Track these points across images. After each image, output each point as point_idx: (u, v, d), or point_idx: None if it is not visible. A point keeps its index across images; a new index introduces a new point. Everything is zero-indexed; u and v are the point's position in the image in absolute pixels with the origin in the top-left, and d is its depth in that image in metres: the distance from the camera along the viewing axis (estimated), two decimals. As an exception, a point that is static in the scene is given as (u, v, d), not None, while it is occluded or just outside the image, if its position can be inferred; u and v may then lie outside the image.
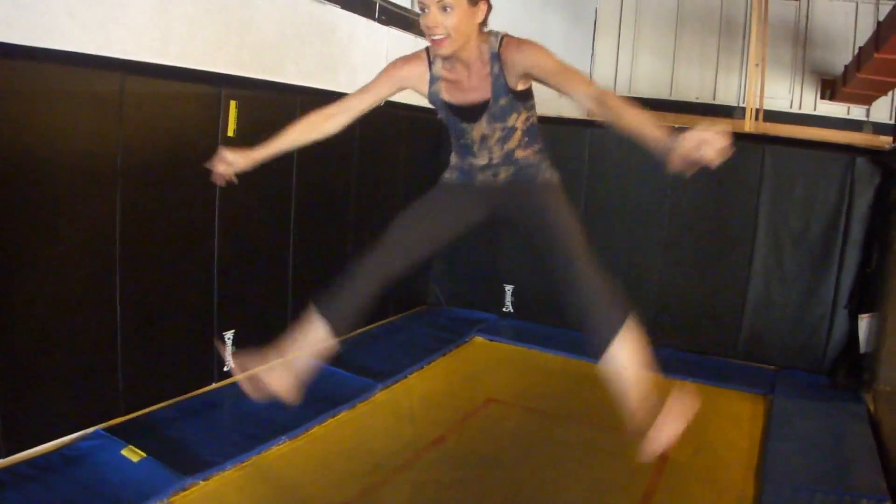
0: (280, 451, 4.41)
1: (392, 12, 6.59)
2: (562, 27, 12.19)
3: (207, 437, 4.38)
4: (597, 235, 7.09)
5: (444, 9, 2.69)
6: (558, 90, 2.74)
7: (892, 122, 6.14)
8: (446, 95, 3.00)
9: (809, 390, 6.01)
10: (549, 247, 3.02)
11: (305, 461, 4.36)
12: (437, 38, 2.74)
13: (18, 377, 3.77)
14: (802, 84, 13.03)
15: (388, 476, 4.27)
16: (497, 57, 2.83)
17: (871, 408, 5.63)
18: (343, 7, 5.93)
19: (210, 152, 4.71)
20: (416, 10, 3.08)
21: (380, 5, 6.38)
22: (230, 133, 4.85)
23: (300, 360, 3.19)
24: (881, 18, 8.36)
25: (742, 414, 5.60)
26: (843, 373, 6.21)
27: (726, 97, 13.34)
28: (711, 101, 13.41)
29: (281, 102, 5.37)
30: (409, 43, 6.99)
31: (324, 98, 5.68)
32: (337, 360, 5.72)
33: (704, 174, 5.59)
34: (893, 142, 6.02)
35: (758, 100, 11.36)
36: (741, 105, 12.59)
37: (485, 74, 2.87)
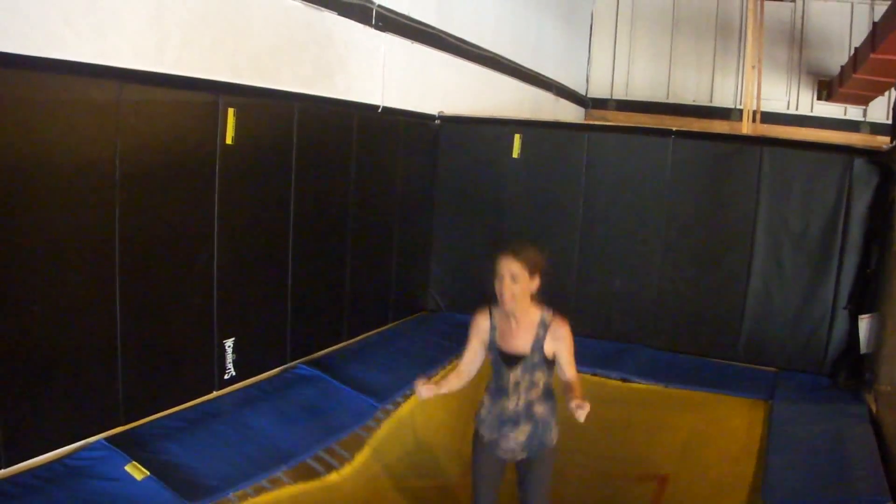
0: (281, 481, 4.39)
1: (389, 18, 6.59)
2: (558, 32, 12.21)
3: (210, 454, 4.35)
4: (595, 239, 7.15)
5: (513, 279, 3.80)
6: (561, 360, 3.98)
7: (890, 121, 6.14)
8: (499, 341, 4.02)
9: (810, 392, 6.01)
10: (530, 490, 4.10)
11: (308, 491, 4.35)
12: (506, 297, 3.83)
13: (19, 386, 3.75)
14: (799, 85, 13.07)
15: (386, 493, 4.26)
16: (545, 325, 3.94)
17: (873, 408, 5.63)
18: (340, 14, 5.93)
19: (209, 160, 4.74)
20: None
21: (377, 11, 6.38)
22: (228, 141, 4.85)
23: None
24: (877, 19, 8.38)
25: (741, 424, 5.58)
26: (844, 373, 6.22)
27: (723, 99, 13.39)
28: (708, 104, 13.46)
29: (279, 109, 5.37)
30: (405, 49, 7.00)
31: (322, 105, 5.73)
32: (338, 369, 5.75)
33: (702, 175, 5.67)
34: (891, 142, 6.02)
35: (755, 101, 11.39)
36: (738, 107, 12.63)
37: (531, 333, 3.94)
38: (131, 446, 4.15)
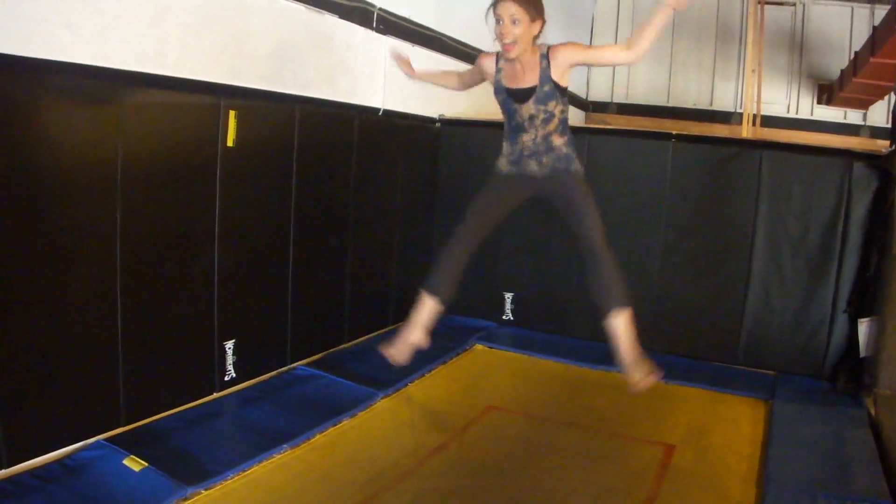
0: (281, 459, 4.41)
1: (390, 21, 6.60)
2: (559, 35, 12.20)
3: (209, 446, 4.38)
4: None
5: (514, 21, 3.71)
6: (596, 63, 4.14)
7: (889, 125, 6.15)
8: (506, 82, 4.00)
9: (810, 395, 6.01)
10: (578, 224, 4.05)
11: (307, 471, 4.35)
12: (507, 42, 3.75)
13: (20, 387, 3.77)
14: (799, 89, 13.07)
15: (389, 485, 4.26)
16: (545, 57, 3.88)
17: (872, 412, 5.63)
18: (341, 16, 5.94)
19: (210, 162, 4.76)
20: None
21: (378, 14, 6.39)
22: (229, 143, 4.86)
23: (417, 334, 4.51)
24: (876, 23, 8.39)
25: (743, 419, 5.60)
26: (844, 377, 6.22)
27: (723, 103, 13.38)
28: (709, 108, 13.45)
29: (280, 112, 5.39)
30: (406, 51, 7.00)
31: (322, 107, 5.74)
32: (337, 368, 5.76)
33: (702, 178, 5.68)
34: (890, 145, 6.03)
35: (755, 105, 11.40)
36: (738, 111, 12.63)
37: (535, 69, 3.89)
38: (130, 445, 4.17)
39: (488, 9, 3.79)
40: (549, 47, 3.90)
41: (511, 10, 3.69)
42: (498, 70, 4.03)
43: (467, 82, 4.46)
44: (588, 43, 13.99)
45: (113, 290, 4.21)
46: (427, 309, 4.43)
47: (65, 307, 3.98)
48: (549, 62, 3.87)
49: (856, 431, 5.26)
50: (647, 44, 3.68)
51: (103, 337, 4.21)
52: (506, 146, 4.18)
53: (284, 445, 4.49)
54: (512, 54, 3.80)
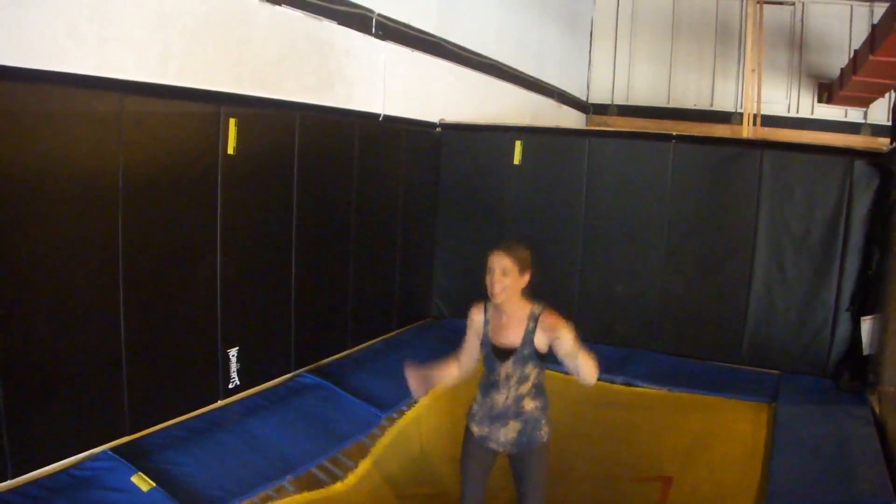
0: (285, 488, 4.40)
1: (389, 27, 6.61)
2: (559, 38, 12.23)
3: (215, 464, 4.37)
4: (597, 244, 7.16)
5: (504, 272, 3.93)
6: (569, 363, 3.85)
7: (890, 123, 6.15)
8: (491, 335, 4.11)
9: (813, 394, 6.01)
10: (525, 486, 4.12)
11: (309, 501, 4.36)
12: (496, 291, 3.94)
13: (25, 397, 3.77)
14: (799, 88, 13.08)
15: (396, 492, 4.27)
16: (535, 318, 4.01)
17: (877, 409, 5.63)
18: (340, 23, 5.96)
19: (211, 170, 4.77)
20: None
21: (377, 20, 6.40)
22: (230, 151, 4.87)
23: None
24: (876, 21, 8.40)
25: (745, 427, 5.58)
26: (847, 375, 6.22)
27: (724, 103, 13.40)
28: (709, 108, 13.47)
29: (280, 119, 5.40)
30: (406, 57, 7.02)
31: (323, 114, 5.76)
32: (342, 378, 5.75)
33: (703, 179, 5.68)
34: (891, 143, 6.03)
35: (755, 105, 11.41)
36: (739, 111, 12.63)
37: (521, 327, 4.02)
38: (137, 457, 4.17)
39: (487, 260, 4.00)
40: (542, 312, 4.03)
41: (503, 263, 3.94)
42: (486, 322, 4.15)
43: (470, 353, 4.32)
44: (589, 46, 14.03)
45: (116, 299, 4.22)
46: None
47: (68, 317, 3.99)
48: (536, 326, 4.00)
49: (860, 430, 5.25)
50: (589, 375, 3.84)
51: (107, 346, 4.22)
52: (478, 396, 4.23)
53: (288, 475, 4.50)
54: (498, 299, 3.96)
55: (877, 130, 12.13)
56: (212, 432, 4.72)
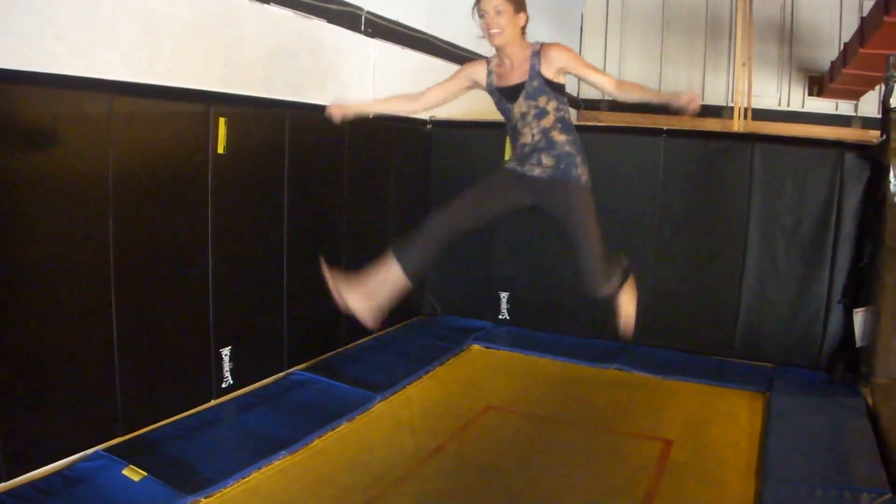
0: (281, 465, 4.40)
1: (378, 25, 6.61)
2: (549, 33, 12.21)
3: (208, 454, 4.37)
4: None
5: (498, 12, 3.78)
6: (584, 79, 3.93)
7: (880, 115, 6.16)
8: (496, 82, 4.03)
9: (807, 386, 6.02)
10: (574, 239, 4.06)
11: (306, 476, 4.35)
12: (493, 31, 3.82)
13: (17, 399, 3.77)
14: (790, 81, 13.09)
15: (388, 487, 4.27)
16: (537, 54, 3.91)
17: (870, 401, 5.64)
18: (329, 21, 5.95)
19: (200, 170, 4.76)
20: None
21: (366, 18, 6.40)
22: (220, 150, 4.87)
23: (378, 293, 4.09)
24: (865, 14, 8.41)
25: (741, 412, 5.61)
26: (841, 367, 6.23)
27: (715, 97, 13.40)
28: (700, 102, 13.41)
29: (270, 118, 5.39)
30: (395, 54, 7.01)
31: (313, 112, 5.75)
32: (335, 372, 5.77)
33: (694, 173, 5.69)
34: (882, 136, 6.03)
35: (746, 99, 11.41)
36: (729, 105, 12.63)
37: (525, 66, 3.92)
38: (130, 455, 4.17)
39: (473, 7, 3.87)
40: (541, 45, 3.93)
41: (494, 2, 3.77)
42: (489, 73, 4.05)
43: (435, 99, 4.33)
44: (579, 41, 14.04)
45: (108, 300, 4.22)
46: (391, 278, 4.11)
47: (60, 318, 3.98)
48: (539, 59, 3.89)
49: (853, 421, 5.26)
50: (633, 98, 3.96)
51: (99, 347, 4.22)
52: (509, 149, 4.18)
53: (283, 452, 4.48)
54: (497, 41, 3.85)
55: (867, 123, 12.14)
56: (206, 429, 4.72)
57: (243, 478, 4.18)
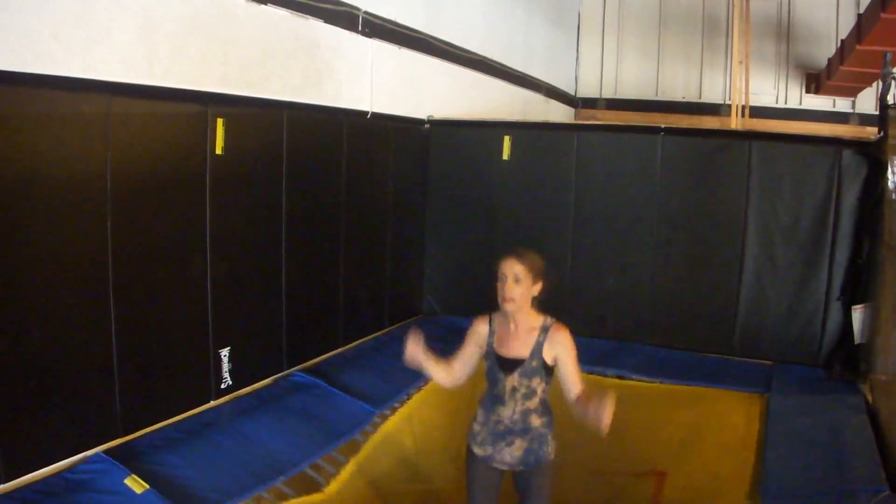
0: (281, 487, 4.39)
1: (375, 24, 6.60)
2: (546, 32, 12.23)
3: (209, 466, 4.35)
4: (588, 238, 7.16)
5: (517, 280, 3.85)
6: (562, 370, 3.90)
7: (878, 112, 6.17)
8: (497, 347, 3.99)
9: (806, 384, 6.02)
10: (532, 500, 4.05)
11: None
12: (508, 298, 3.86)
13: (16, 401, 3.76)
14: (787, 79, 13.11)
15: (390, 488, 4.27)
16: (546, 331, 3.92)
17: (869, 398, 5.65)
18: (326, 21, 5.95)
19: (198, 170, 4.76)
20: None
21: (363, 18, 6.39)
22: (218, 151, 4.86)
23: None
24: (862, 11, 8.42)
25: (740, 410, 5.61)
26: (840, 365, 6.23)
27: (712, 95, 13.42)
28: (697, 100, 13.48)
29: (268, 118, 5.39)
30: (393, 54, 7.01)
31: (311, 112, 5.74)
32: (334, 376, 5.75)
33: (692, 171, 5.69)
34: (879, 132, 6.04)
35: (743, 96, 11.42)
36: (727, 102, 12.65)
37: (531, 338, 3.91)
38: (130, 459, 4.15)
39: (498, 266, 3.94)
40: (553, 325, 3.95)
41: (515, 269, 3.86)
42: (491, 332, 4.04)
43: (465, 364, 4.20)
44: (577, 40, 14.04)
45: (106, 301, 4.21)
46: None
47: (58, 319, 3.97)
48: (546, 338, 3.90)
49: (853, 418, 5.27)
50: (574, 411, 3.86)
51: (98, 348, 4.21)
52: (480, 414, 4.09)
53: (282, 476, 4.47)
54: (509, 307, 3.87)
55: (865, 120, 12.16)
56: (205, 433, 4.70)
57: (243, 501, 4.17)
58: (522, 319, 3.93)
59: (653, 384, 6.19)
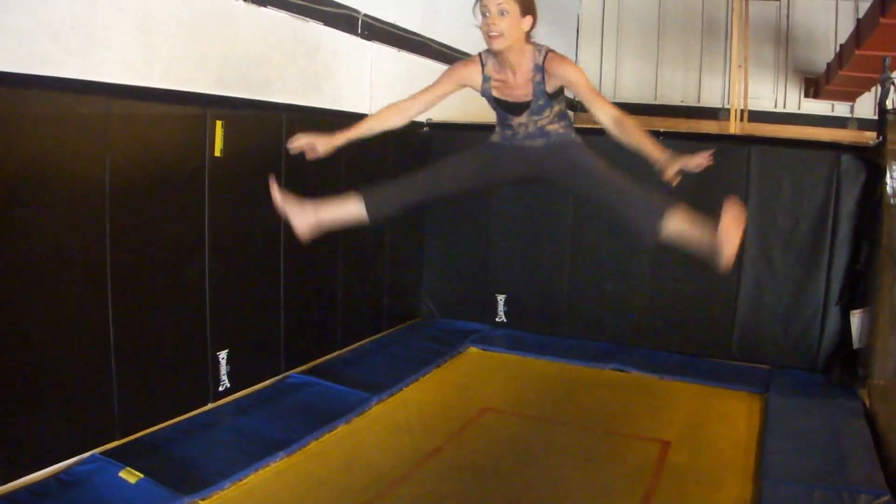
0: (277, 468, 4.40)
1: (375, 27, 6.61)
2: (545, 35, 12.19)
3: (205, 456, 4.37)
4: (586, 241, 7.15)
5: (501, 13, 3.32)
6: (585, 104, 3.52)
7: (877, 117, 6.17)
8: (496, 93, 3.61)
9: (804, 388, 6.03)
10: (599, 188, 3.73)
11: (303, 478, 4.35)
12: (493, 34, 3.35)
13: (13, 403, 3.76)
14: (786, 83, 13.10)
15: (386, 489, 4.26)
16: (541, 68, 3.47)
17: (867, 403, 5.65)
18: (326, 24, 5.95)
19: (197, 173, 4.76)
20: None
21: (363, 21, 6.40)
22: (217, 153, 4.86)
23: (327, 214, 3.91)
24: (861, 15, 8.42)
25: (738, 414, 5.61)
26: (838, 369, 6.23)
27: (711, 99, 13.41)
28: (696, 104, 13.47)
29: (267, 121, 5.38)
30: (392, 57, 7.01)
31: (310, 115, 5.74)
32: (331, 375, 5.76)
33: (690, 177, 5.67)
34: (878, 137, 6.04)
35: (742, 100, 11.42)
36: (726, 106, 12.64)
37: (528, 79, 3.50)
38: (126, 458, 4.16)
39: (475, 3, 3.45)
40: (547, 54, 3.50)
41: (498, 0, 3.32)
42: (486, 78, 3.61)
43: (423, 107, 3.88)
44: (575, 43, 14.04)
45: (104, 303, 4.21)
46: (349, 208, 3.91)
47: (56, 320, 3.97)
48: (543, 75, 3.48)
49: (851, 423, 5.28)
50: (630, 141, 3.56)
51: (96, 350, 4.21)
52: (498, 130, 3.78)
53: (280, 453, 4.48)
54: (496, 45, 3.38)
55: (863, 125, 12.16)
56: (202, 432, 4.73)
57: (240, 480, 4.17)
58: (516, 60, 3.48)
59: (652, 378, 6.28)
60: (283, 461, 4.47)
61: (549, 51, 3.51)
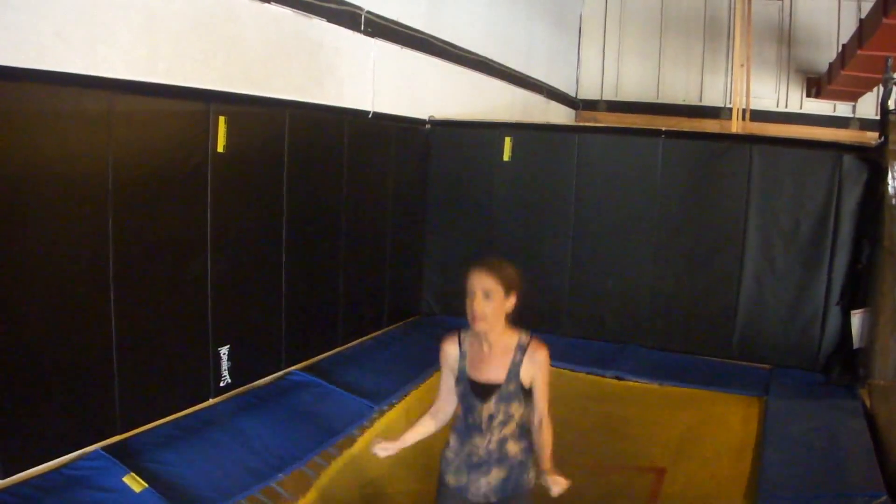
0: (279, 486, 4.38)
1: (378, 24, 6.60)
2: (548, 34, 12.23)
3: (207, 463, 4.36)
4: (587, 240, 7.17)
5: (487, 295, 3.35)
6: (534, 391, 3.49)
7: (878, 117, 6.17)
8: (469, 371, 3.50)
9: (804, 388, 6.03)
10: None
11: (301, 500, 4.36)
12: (478, 317, 3.36)
13: (16, 397, 3.76)
14: (788, 83, 13.11)
15: (387, 488, 4.26)
16: (523, 350, 3.47)
17: (867, 402, 5.65)
18: (329, 20, 5.95)
19: (200, 168, 4.76)
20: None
21: (365, 17, 6.40)
22: (220, 149, 4.86)
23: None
24: (863, 15, 8.43)
25: (738, 413, 5.61)
26: (838, 369, 6.24)
27: (713, 98, 13.42)
28: (698, 103, 13.48)
29: (269, 116, 5.39)
30: (395, 54, 7.01)
31: (312, 111, 5.75)
32: (333, 374, 5.75)
33: (692, 174, 5.71)
34: (880, 137, 6.05)
35: (744, 100, 11.43)
36: (728, 106, 12.65)
37: (506, 359, 3.46)
38: (128, 456, 4.17)
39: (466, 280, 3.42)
40: (531, 342, 3.53)
41: (485, 283, 3.37)
42: (462, 355, 3.54)
43: (448, 396, 3.64)
44: (578, 43, 14.04)
45: (106, 298, 4.21)
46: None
47: (59, 316, 3.97)
48: (523, 357, 3.47)
49: (850, 423, 5.28)
50: (539, 439, 3.51)
51: (98, 345, 4.21)
52: (453, 441, 3.60)
53: (280, 474, 4.47)
54: (479, 327, 3.38)
55: (865, 125, 12.17)
56: (203, 431, 4.71)
57: (239, 501, 4.16)
58: (496, 339, 3.46)
59: (651, 385, 6.21)
60: (283, 481, 4.44)
61: (534, 336, 3.56)
